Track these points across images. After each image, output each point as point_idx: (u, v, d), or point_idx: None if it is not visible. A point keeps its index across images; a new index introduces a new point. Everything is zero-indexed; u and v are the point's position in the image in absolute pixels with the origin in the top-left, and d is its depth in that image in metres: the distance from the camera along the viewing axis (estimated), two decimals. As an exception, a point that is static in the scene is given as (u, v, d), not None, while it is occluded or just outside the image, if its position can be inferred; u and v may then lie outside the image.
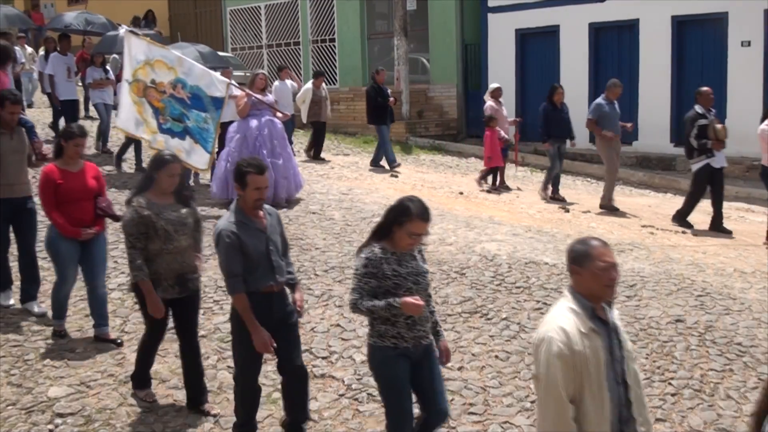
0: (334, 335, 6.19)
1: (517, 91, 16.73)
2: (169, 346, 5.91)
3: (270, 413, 5.08)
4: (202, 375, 5.17)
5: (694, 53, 14.49)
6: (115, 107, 12.93)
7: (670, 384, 5.53)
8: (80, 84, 13.55)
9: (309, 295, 6.93)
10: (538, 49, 16.53)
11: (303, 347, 5.89)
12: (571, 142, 12.03)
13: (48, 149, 6.64)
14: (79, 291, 6.97)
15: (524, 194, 12.14)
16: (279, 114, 10.24)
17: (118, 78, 12.50)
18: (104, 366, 5.66)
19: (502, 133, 12.19)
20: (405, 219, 3.96)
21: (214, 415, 5.04)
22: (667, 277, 7.64)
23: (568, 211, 10.84)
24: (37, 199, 6.29)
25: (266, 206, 4.60)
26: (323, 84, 14.31)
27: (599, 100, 11.09)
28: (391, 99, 13.45)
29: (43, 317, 6.32)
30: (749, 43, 13.60)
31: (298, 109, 14.01)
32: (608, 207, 10.94)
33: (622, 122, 11.27)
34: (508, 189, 12.31)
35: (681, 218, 10.18)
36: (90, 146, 12.38)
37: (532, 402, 5.24)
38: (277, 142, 9.95)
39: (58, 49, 12.66)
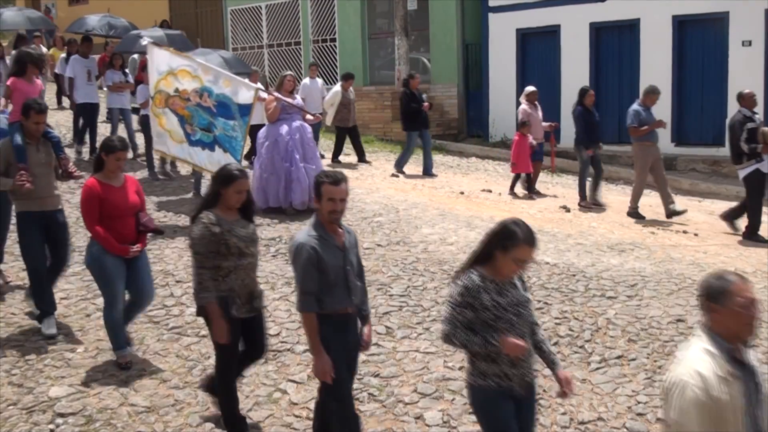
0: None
1: (518, 91, 16.69)
2: (170, 346, 5.92)
3: (271, 413, 5.08)
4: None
5: (695, 53, 14.49)
6: (133, 110, 12.93)
7: (671, 384, 5.52)
8: (101, 87, 13.32)
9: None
10: (538, 49, 16.53)
11: (303, 347, 5.91)
12: (599, 147, 11.47)
13: (75, 167, 6.45)
14: (79, 291, 6.98)
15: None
16: (309, 116, 9.97)
17: (138, 80, 12.46)
18: (105, 366, 5.66)
19: (530, 138, 11.74)
20: (510, 244, 3.60)
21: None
22: (668, 276, 7.64)
23: (569, 210, 10.83)
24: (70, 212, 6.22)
25: (344, 225, 4.36)
26: (351, 87, 13.92)
27: (636, 106, 10.57)
28: (426, 104, 13.00)
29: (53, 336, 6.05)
30: (750, 43, 13.60)
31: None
32: (635, 215, 10.51)
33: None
34: (539, 194, 11.91)
35: (753, 233, 9.45)
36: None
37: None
38: (308, 147, 9.69)
39: (79, 51, 12.46)
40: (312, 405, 5.13)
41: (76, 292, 6.95)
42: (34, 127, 5.99)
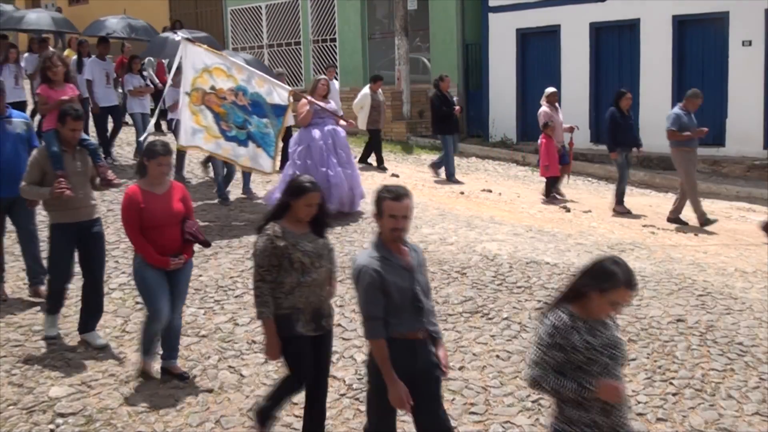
0: (335, 335, 6.15)
1: (518, 91, 16.73)
2: (170, 346, 5.92)
3: (271, 413, 5.08)
4: (323, 420, 4.66)
5: (695, 53, 14.49)
6: (152, 114, 12.80)
7: (671, 384, 5.53)
8: (120, 90, 13.07)
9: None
10: (538, 49, 16.52)
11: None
12: (639, 150, 11.11)
13: (113, 175, 6.19)
14: (80, 291, 6.98)
15: (525, 194, 12.14)
16: (342, 122, 9.74)
17: (161, 82, 12.22)
18: (105, 366, 5.67)
19: (556, 141, 11.53)
20: (609, 286, 3.29)
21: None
22: (668, 276, 7.64)
23: (569, 210, 10.83)
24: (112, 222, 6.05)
25: (410, 242, 4.08)
26: (380, 89, 13.66)
27: (676, 110, 10.26)
28: (457, 107, 12.74)
29: (105, 349, 5.89)
30: (750, 43, 13.60)
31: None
32: (706, 222, 10.07)
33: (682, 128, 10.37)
34: (562, 198, 11.69)
35: None
36: (129, 158, 12.21)
37: (534, 402, 5.25)
38: (342, 151, 9.46)
39: (97, 53, 12.18)
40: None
41: (77, 292, 6.94)
42: (70, 134, 5.74)
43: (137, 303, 6.58)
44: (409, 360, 3.89)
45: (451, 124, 12.66)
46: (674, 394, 5.38)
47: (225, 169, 10.03)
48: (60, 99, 7.25)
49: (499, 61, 16.90)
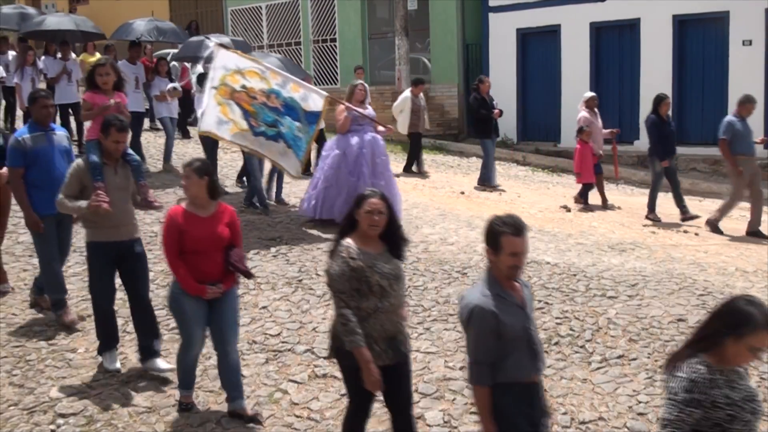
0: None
1: (518, 91, 16.73)
2: (170, 346, 5.92)
3: (272, 413, 5.08)
4: None
5: (695, 52, 14.49)
6: (184, 118, 12.54)
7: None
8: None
9: (311, 294, 6.94)
10: (539, 49, 16.52)
11: (304, 347, 5.90)
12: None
13: (155, 196, 5.87)
14: (80, 291, 6.98)
15: (526, 194, 12.13)
16: (381, 128, 9.32)
17: (186, 87, 11.95)
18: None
19: (595, 147, 11.18)
20: (747, 331, 2.94)
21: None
22: (669, 276, 7.64)
23: (569, 210, 10.83)
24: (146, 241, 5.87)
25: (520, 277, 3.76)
26: (422, 93, 13.36)
27: (730, 117, 10.04)
28: (496, 111, 12.25)
29: (172, 373, 5.43)
30: (750, 42, 13.60)
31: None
32: (716, 228, 9.93)
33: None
34: (607, 206, 11.26)
35: None
36: (158, 166, 11.82)
37: (534, 401, 5.25)
38: (379, 161, 9.03)
39: (127, 57, 11.96)
40: (313, 405, 5.14)
41: (77, 292, 6.95)
42: (113, 146, 5.36)
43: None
44: (526, 407, 3.57)
45: (490, 127, 12.23)
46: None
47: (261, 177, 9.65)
48: (104, 105, 6.63)
49: (499, 61, 16.90)
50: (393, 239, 4.16)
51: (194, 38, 12.97)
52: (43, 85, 12.15)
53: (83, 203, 5.29)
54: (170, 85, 11.73)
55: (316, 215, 8.94)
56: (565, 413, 5.14)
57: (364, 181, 8.68)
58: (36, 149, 6.08)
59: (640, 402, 5.28)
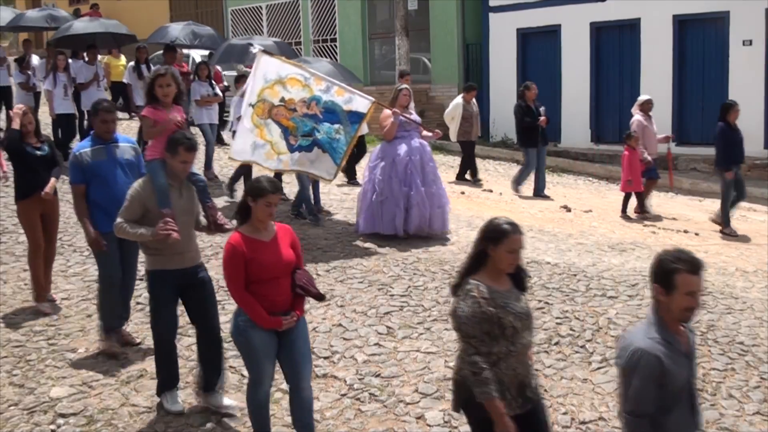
0: (336, 335, 6.18)
1: (518, 91, 16.69)
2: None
3: (272, 413, 5.07)
4: None
5: (696, 52, 14.49)
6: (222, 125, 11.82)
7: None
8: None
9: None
10: (539, 49, 16.53)
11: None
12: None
13: (224, 218, 5.43)
14: (80, 291, 6.98)
15: (526, 194, 12.13)
16: (427, 133, 8.94)
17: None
18: (106, 366, 5.66)
19: (645, 154, 10.57)
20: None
21: None
22: (669, 276, 7.62)
23: (569, 210, 10.83)
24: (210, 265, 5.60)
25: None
26: (474, 98, 12.80)
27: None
28: (542, 118, 11.60)
29: (233, 415, 5.03)
30: (750, 42, 13.60)
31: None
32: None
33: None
34: (654, 216, 10.70)
35: None
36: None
37: (534, 402, 5.25)
38: (429, 168, 8.67)
39: (162, 62, 11.47)
40: (314, 405, 5.13)
41: (78, 292, 6.96)
42: (180, 166, 4.90)
43: (137, 303, 6.59)
44: None
45: (536, 136, 11.63)
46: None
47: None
48: (168, 121, 5.96)
49: (499, 61, 16.91)
50: (517, 272, 3.77)
51: (237, 41, 12.36)
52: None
53: (147, 231, 4.79)
54: (209, 91, 11.31)
55: (371, 230, 8.57)
56: (565, 413, 5.14)
57: (417, 191, 8.45)
58: (95, 164, 5.69)
59: (640, 402, 5.28)
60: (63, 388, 5.32)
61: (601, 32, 15.57)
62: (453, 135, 12.65)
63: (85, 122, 12.15)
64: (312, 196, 9.44)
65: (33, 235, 6.57)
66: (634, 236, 9.43)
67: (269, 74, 7.99)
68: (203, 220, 5.28)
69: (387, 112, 8.63)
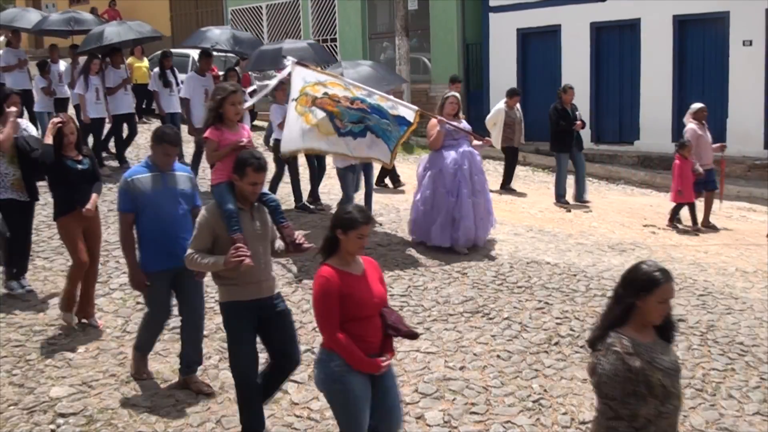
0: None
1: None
2: (171, 346, 5.92)
3: (272, 413, 5.08)
4: None
5: (696, 53, 14.48)
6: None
7: (672, 383, 5.52)
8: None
9: (311, 295, 6.88)
10: (539, 49, 16.52)
11: (304, 347, 5.90)
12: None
13: (304, 238, 4.93)
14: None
15: (526, 193, 12.13)
16: (477, 142, 8.58)
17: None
18: (106, 366, 5.67)
19: (698, 165, 10.11)
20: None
21: None
22: (669, 276, 7.63)
23: (569, 210, 10.83)
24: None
25: None
26: (518, 104, 12.35)
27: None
28: (578, 122, 11.24)
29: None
30: (751, 43, 13.59)
31: None
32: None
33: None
34: (714, 228, 10.15)
35: None
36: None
37: (534, 402, 5.25)
38: (477, 178, 8.34)
39: (196, 68, 11.06)
40: (313, 405, 5.14)
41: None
42: (250, 188, 4.55)
43: (138, 303, 6.59)
44: None
45: (570, 140, 11.30)
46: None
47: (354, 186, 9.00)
48: (236, 143, 5.71)
49: (499, 61, 16.90)
50: (664, 321, 3.33)
51: (268, 47, 11.79)
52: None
53: (219, 259, 4.42)
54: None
55: (420, 240, 8.39)
56: (565, 413, 5.14)
57: (464, 201, 8.17)
58: (150, 193, 5.20)
59: (640, 402, 5.28)
60: (63, 388, 5.32)
61: (601, 32, 15.57)
62: (495, 142, 11.87)
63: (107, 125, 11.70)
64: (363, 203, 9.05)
65: (76, 252, 6.17)
66: (634, 236, 9.44)
67: (308, 77, 7.78)
68: (280, 243, 4.85)
69: (434, 120, 8.36)
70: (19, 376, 5.49)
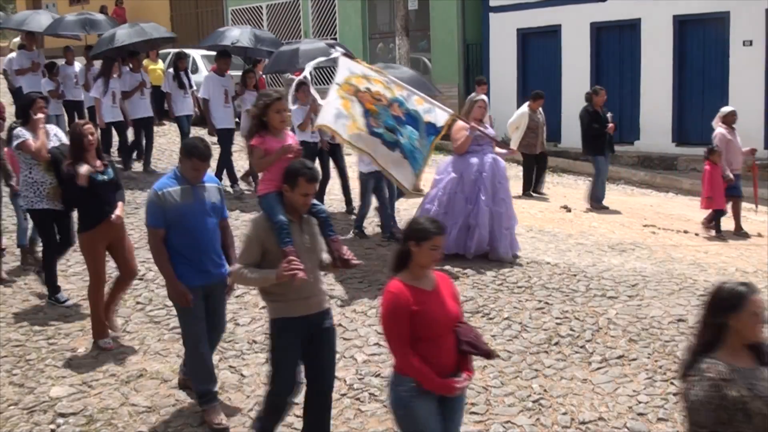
0: (336, 335, 6.17)
1: (518, 91, 16.72)
2: (171, 346, 5.92)
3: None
4: None
5: (696, 53, 14.49)
6: None
7: (672, 384, 5.52)
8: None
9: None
10: (539, 49, 16.53)
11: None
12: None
13: (351, 253, 4.75)
14: (80, 291, 6.98)
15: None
16: (501, 150, 8.30)
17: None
18: (106, 366, 5.67)
19: (728, 171, 9.87)
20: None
21: None
22: (669, 276, 7.63)
23: (570, 210, 10.83)
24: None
25: None
26: (541, 108, 11.93)
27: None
28: (610, 125, 10.96)
29: None
30: (751, 43, 13.60)
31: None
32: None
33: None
34: (741, 234, 9.88)
35: None
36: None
37: (534, 402, 5.25)
38: (499, 185, 7.98)
39: (214, 68, 10.84)
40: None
41: (77, 292, 6.95)
42: (301, 200, 4.35)
43: (137, 303, 6.59)
44: None
45: (603, 143, 11.00)
46: (675, 394, 5.37)
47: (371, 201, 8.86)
48: (283, 149, 5.46)
49: (499, 61, 16.91)
50: (757, 345, 3.10)
51: (285, 48, 11.24)
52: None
53: (270, 274, 4.22)
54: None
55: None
56: (565, 413, 5.14)
57: (481, 209, 7.85)
58: (181, 207, 4.86)
59: (640, 402, 5.28)
60: (63, 388, 5.33)
61: (601, 32, 15.58)
62: (514, 145, 11.53)
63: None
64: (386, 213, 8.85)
65: (96, 267, 5.96)
66: (634, 237, 9.43)
67: (354, 68, 7.49)
68: (326, 256, 4.62)
69: (460, 124, 8.00)
70: (19, 375, 5.49)
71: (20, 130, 6.56)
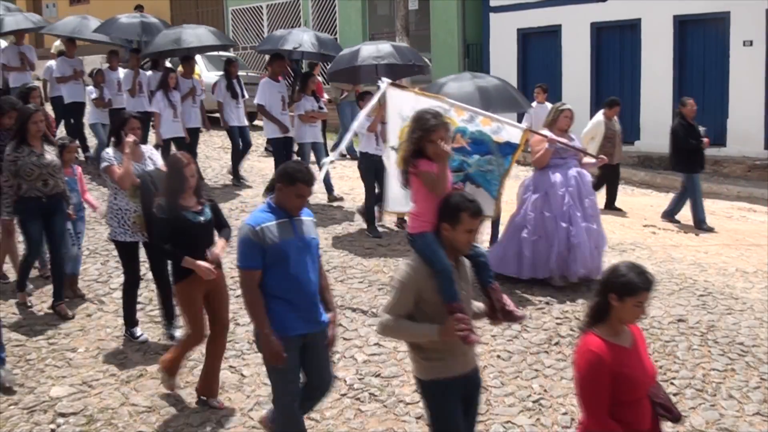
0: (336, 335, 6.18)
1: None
2: (171, 346, 5.92)
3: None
4: None
5: (696, 53, 14.49)
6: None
7: (672, 384, 5.52)
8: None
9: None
10: (539, 49, 16.53)
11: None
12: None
13: (513, 303, 4.16)
14: (80, 290, 6.97)
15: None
16: (589, 160, 7.63)
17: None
18: (106, 366, 5.67)
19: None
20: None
21: None
22: (669, 276, 7.63)
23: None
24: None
25: None
26: (617, 116, 11.10)
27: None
28: (706, 139, 10.14)
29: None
30: (751, 43, 13.59)
31: None
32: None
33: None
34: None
35: None
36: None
37: (534, 402, 5.26)
38: (588, 201, 7.37)
39: (268, 73, 10.28)
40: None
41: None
42: (465, 238, 3.74)
43: (137, 303, 6.58)
44: None
45: (698, 159, 10.16)
46: (675, 394, 5.37)
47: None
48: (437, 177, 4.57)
49: (500, 61, 16.90)
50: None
51: (347, 51, 10.39)
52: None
53: (432, 330, 3.63)
54: (314, 105, 10.07)
55: (527, 275, 7.27)
56: (565, 413, 5.14)
57: (578, 228, 7.21)
58: (281, 244, 4.17)
59: (640, 402, 5.28)
60: (63, 388, 5.33)
61: (601, 32, 15.58)
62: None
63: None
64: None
65: (197, 323, 5.12)
66: (634, 237, 9.43)
67: (404, 110, 6.81)
68: (479, 305, 4.07)
69: (538, 137, 7.41)
70: (19, 375, 5.49)
71: (108, 152, 5.93)
